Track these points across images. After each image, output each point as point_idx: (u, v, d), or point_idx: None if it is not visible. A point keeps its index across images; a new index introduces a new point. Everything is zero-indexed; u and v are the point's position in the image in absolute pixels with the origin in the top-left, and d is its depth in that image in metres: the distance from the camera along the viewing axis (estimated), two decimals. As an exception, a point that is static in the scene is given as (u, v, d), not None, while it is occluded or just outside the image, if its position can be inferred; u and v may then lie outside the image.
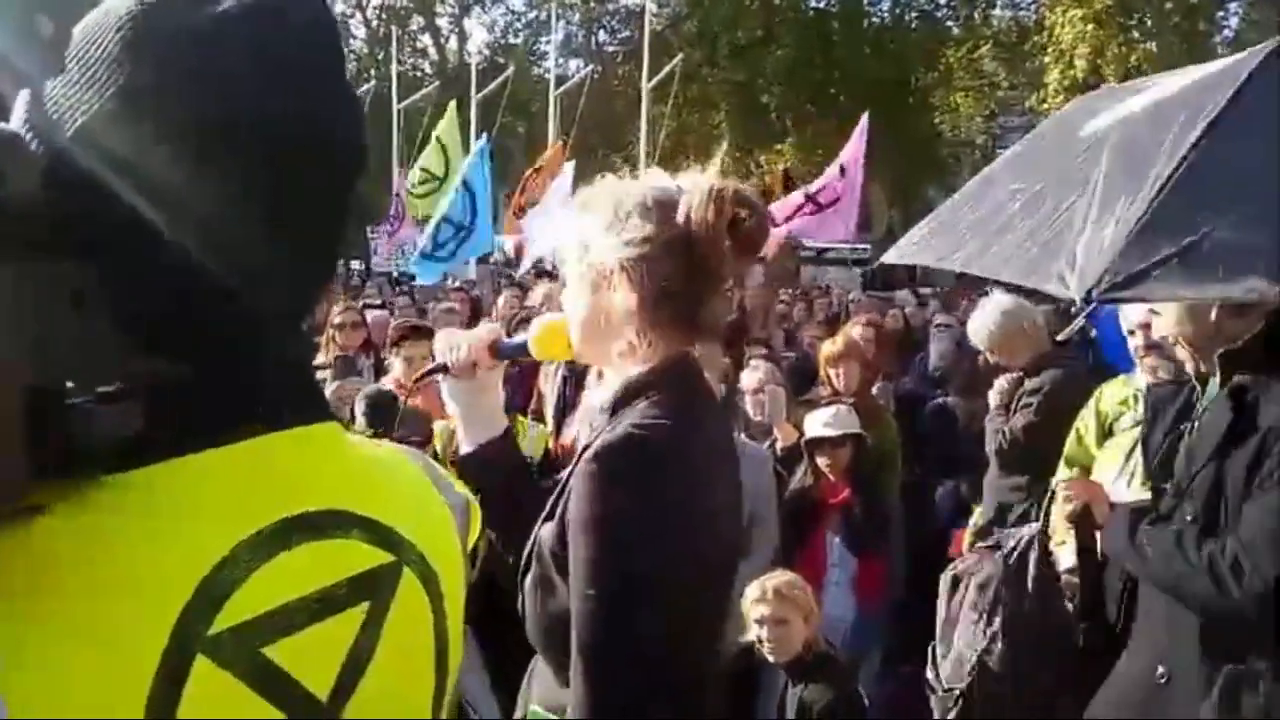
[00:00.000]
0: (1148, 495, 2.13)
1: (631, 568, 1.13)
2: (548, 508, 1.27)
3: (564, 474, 1.28)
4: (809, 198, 7.85)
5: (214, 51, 0.58)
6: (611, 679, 1.13)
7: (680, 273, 1.21)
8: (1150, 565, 1.90)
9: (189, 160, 0.57)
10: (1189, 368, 2.05)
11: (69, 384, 0.53)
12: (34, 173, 0.56)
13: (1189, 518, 1.86)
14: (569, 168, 9.78)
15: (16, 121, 0.60)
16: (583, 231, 1.28)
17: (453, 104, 11.58)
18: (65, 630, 0.53)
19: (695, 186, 1.22)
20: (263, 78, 0.60)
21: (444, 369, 1.41)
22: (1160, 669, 1.91)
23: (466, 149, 10.53)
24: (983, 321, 3.67)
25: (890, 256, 2.27)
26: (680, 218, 1.20)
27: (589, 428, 1.33)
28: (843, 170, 7.57)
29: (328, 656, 0.63)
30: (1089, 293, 1.59)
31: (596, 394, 1.34)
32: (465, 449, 1.44)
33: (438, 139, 10.89)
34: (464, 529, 0.79)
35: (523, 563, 1.30)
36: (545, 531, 1.25)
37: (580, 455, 1.23)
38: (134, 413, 0.54)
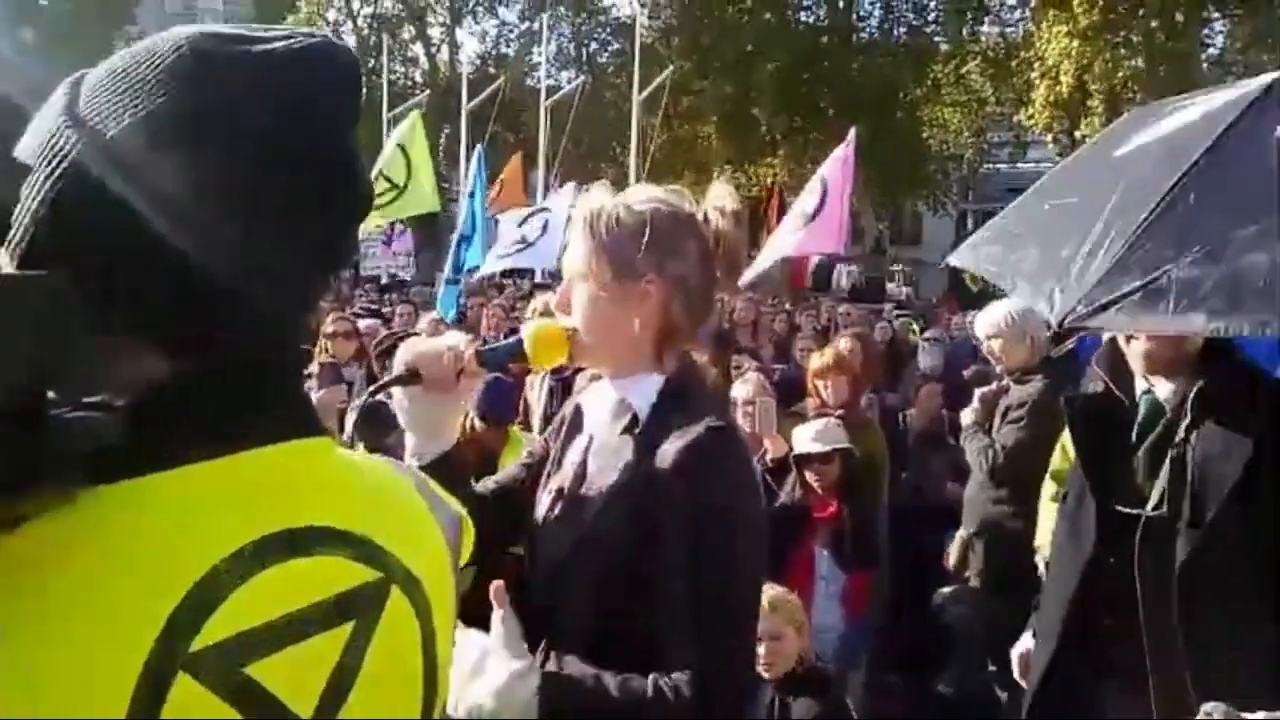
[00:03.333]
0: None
1: (746, 550, 1.23)
2: (604, 508, 1.28)
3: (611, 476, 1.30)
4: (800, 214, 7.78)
5: (255, 84, 0.62)
6: (728, 651, 1.19)
7: (708, 285, 1.32)
8: None
9: (210, 172, 0.59)
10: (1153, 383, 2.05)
11: (50, 394, 0.52)
12: (14, 180, 0.56)
13: (1251, 562, 1.80)
14: (569, 188, 9.80)
15: (55, 111, 0.61)
16: (605, 243, 1.29)
17: (416, 113, 11.49)
18: (40, 647, 0.52)
19: (718, 203, 1.33)
20: (294, 115, 0.63)
21: (415, 378, 1.31)
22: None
23: (440, 158, 10.50)
24: (998, 313, 3.72)
25: (954, 259, 2.36)
26: (711, 234, 1.31)
27: (611, 429, 1.34)
28: (823, 183, 7.55)
29: (312, 676, 0.62)
30: (1062, 320, 1.76)
31: (601, 396, 1.39)
32: (415, 462, 1.35)
33: (400, 147, 10.76)
34: (456, 545, 0.78)
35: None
36: (610, 529, 1.25)
37: (644, 455, 1.25)
38: (116, 423, 0.54)
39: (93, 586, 0.55)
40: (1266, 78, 1.99)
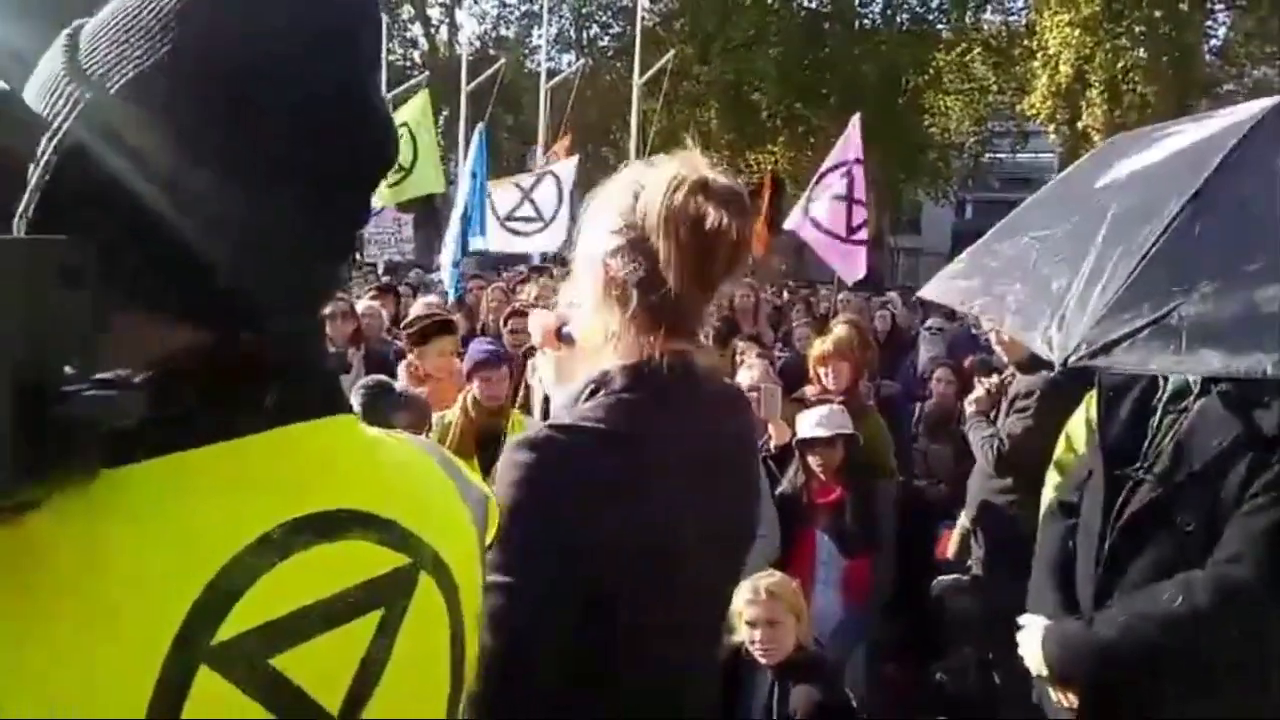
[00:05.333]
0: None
1: (518, 563, 1.07)
2: None
3: None
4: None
5: (263, 21, 0.57)
6: (488, 673, 1.06)
7: (645, 266, 1.16)
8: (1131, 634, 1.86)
9: (223, 127, 0.56)
10: None
11: (66, 369, 0.49)
12: (22, 134, 0.53)
13: (1188, 528, 1.85)
14: (571, 163, 9.64)
15: (54, 63, 0.57)
16: (585, 223, 1.25)
17: (424, 92, 11.23)
18: (59, 639, 0.50)
19: (656, 176, 1.18)
20: (309, 55, 0.59)
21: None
22: None
23: (443, 139, 10.22)
24: None
25: (927, 291, 2.40)
26: (639, 209, 1.17)
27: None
28: (858, 162, 7.32)
29: (339, 666, 0.59)
30: (1065, 359, 1.71)
31: (568, 388, 1.30)
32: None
33: (406, 127, 10.49)
34: (482, 526, 0.75)
35: None
36: None
37: None
38: (136, 401, 0.50)
39: (108, 579, 0.52)
40: (1260, 104, 1.97)
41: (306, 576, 0.58)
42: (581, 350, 1.27)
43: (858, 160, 7.20)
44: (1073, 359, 1.69)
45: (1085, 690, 2.00)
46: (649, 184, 1.18)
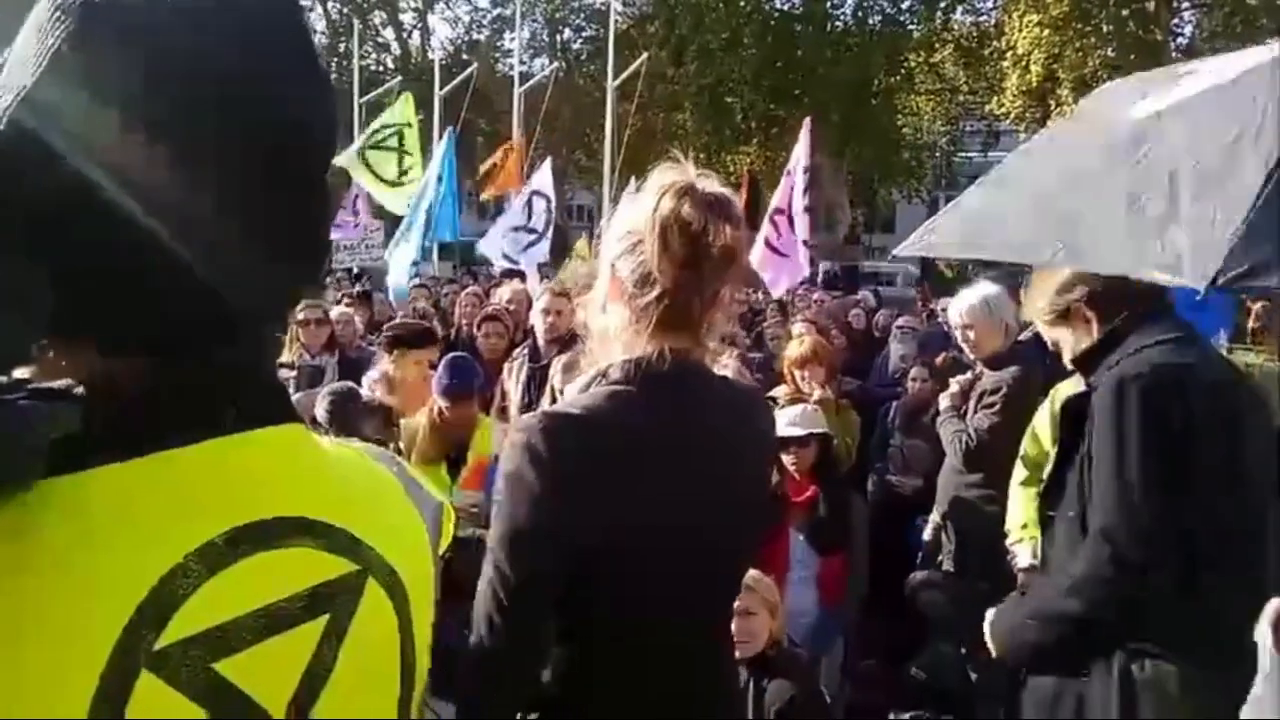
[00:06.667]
0: None
1: (507, 528, 1.20)
2: None
3: None
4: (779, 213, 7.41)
5: (163, 12, 0.55)
6: (477, 630, 1.22)
7: (641, 268, 1.25)
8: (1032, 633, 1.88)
9: (139, 134, 0.54)
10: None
11: (2, 379, 0.50)
12: None
13: (1070, 513, 1.90)
14: (546, 166, 9.61)
15: None
16: (608, 229, 1.37)
17: (408, 94, 11.11)
18: (6, 639, 0.50)
19: (651, 184, 1.27)
20: (223, 44, 0.56)
21: None
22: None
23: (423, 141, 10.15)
24: (968, 302, 3.71)
25: (902, 251, 2.27)
26: (638, 216, 1.26)
27: None
28: (806, 170, 7.30)
29: (284, 671, 0.60)
30: (1214, 279, 1.56)
31: (577, 381, 1.38)
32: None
33: (410, 126, 10.25)
34: (435, 533, 0.76)
35: None
36: None
37: None
38: (72, 412, 0.51)
39: (51, 584, 0.52)
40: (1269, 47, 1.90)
41: (250, 583, 0.58)
42: (595, 348, 1.35)
43: (805, 169, 7.13)
44: (1223, 279, 1.57)
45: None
46: (645, 191, 1.28)
